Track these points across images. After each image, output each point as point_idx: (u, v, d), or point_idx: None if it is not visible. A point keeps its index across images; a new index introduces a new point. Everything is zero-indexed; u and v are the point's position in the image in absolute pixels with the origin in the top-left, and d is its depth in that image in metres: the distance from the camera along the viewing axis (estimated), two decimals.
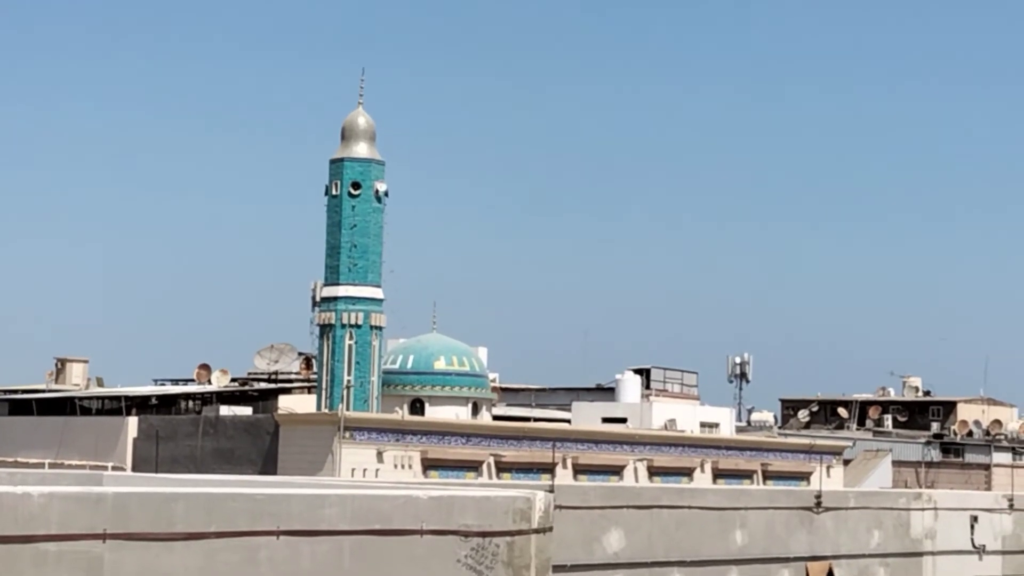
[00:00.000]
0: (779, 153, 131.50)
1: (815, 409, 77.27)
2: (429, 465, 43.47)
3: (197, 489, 12.42)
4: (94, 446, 47.71)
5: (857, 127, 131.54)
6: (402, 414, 45.55)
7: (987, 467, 65.56)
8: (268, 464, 42.89)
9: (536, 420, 54.54)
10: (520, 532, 13.39)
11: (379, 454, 42.57)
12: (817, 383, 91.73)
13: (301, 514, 12.20)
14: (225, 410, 48.46)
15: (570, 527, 22.42)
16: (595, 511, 23.88)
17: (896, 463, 62.97)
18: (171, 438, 46.12)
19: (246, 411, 49.19)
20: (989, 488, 58.77)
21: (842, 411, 75.20)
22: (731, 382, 73.44)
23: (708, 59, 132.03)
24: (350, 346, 46.18)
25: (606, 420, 55.14)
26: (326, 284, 47.22)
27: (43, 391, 56.76)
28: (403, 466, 42.94)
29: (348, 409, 44.24)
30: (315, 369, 50.30)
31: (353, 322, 46.22)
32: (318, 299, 48.62)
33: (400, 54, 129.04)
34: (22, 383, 61.48)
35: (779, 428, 70.96)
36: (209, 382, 54.75)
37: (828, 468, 53.40)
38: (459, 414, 49.28)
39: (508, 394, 62.82)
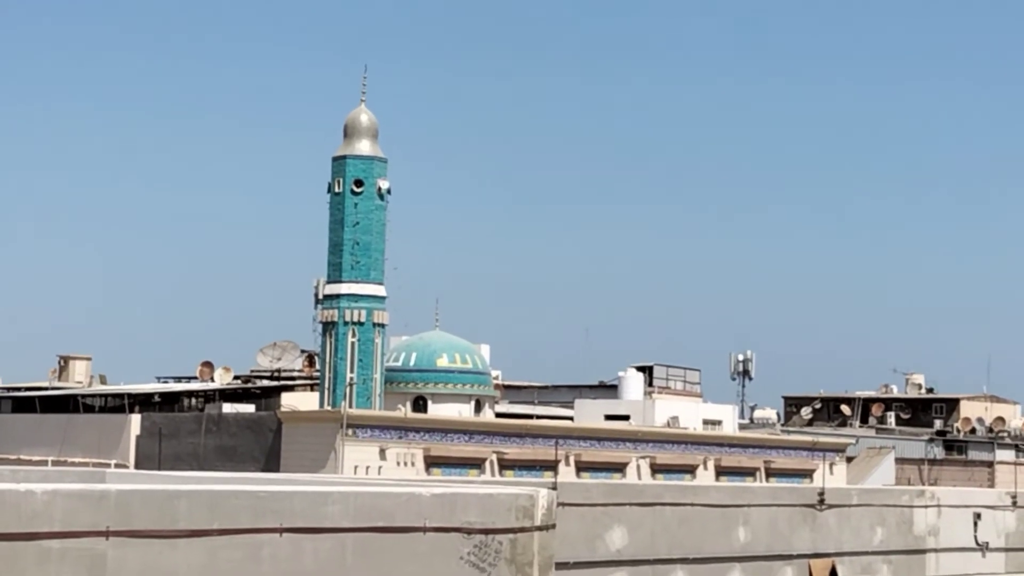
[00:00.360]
0: (782, 151, 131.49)
1: (818, 406, 77.27)
2: (432, 462, 43.48)
3: (200, 486, 12.41)
4: (97, 443, 47.76)
5: (861, 125, 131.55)
6: (405, 411, 45.56)
7: (990, 464, 65.54)
8: (271, 461, 42.91)
9: (539, 417, 54.54)
10: (523, 529, 13.38)
11: (382, 451, 42.58)
12: (820, 380, 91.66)
13: (304, 511, 12.20)
14: (228, 407, 48.49)
15: (573, 524, 22.43)
16: (598, 508, 23.88)
17: (899, 460, 62.96)
18: (174, 435, 46.14)
19: (249, 409, 49.22)
20: (992, 485, 58.75)
21: (845, 408, 75.19)
22: (734, 379, 73.49)
23: (710, 57, 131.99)
24: (353, 343, 46.20)
25: (609, 417, 55.14)
26: (329, 281, 47.23)
27: (46, 388, 56.81)
28: (406, 463, 42.96)
29: (351, 406, 44.25)
30: (318, 366, 50.32)
31: (356, 319, 46.22)
32: (321, 296, 48.64)
33: (402, 51, 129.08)
34: (25, 380, 61.56)
35: (782, 425, 70.95)
36: (212, 379, 54.78)
37: (831, 465, 53.39)
38: (462, 411, 49.30)
39: (511, 391, 62.84)
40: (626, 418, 54.88)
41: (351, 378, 45.92)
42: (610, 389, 62.07)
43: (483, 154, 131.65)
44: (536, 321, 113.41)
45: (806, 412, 76.43)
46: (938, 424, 72.74)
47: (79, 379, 59.49)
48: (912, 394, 77.25)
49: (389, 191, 47.24)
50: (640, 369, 62.86)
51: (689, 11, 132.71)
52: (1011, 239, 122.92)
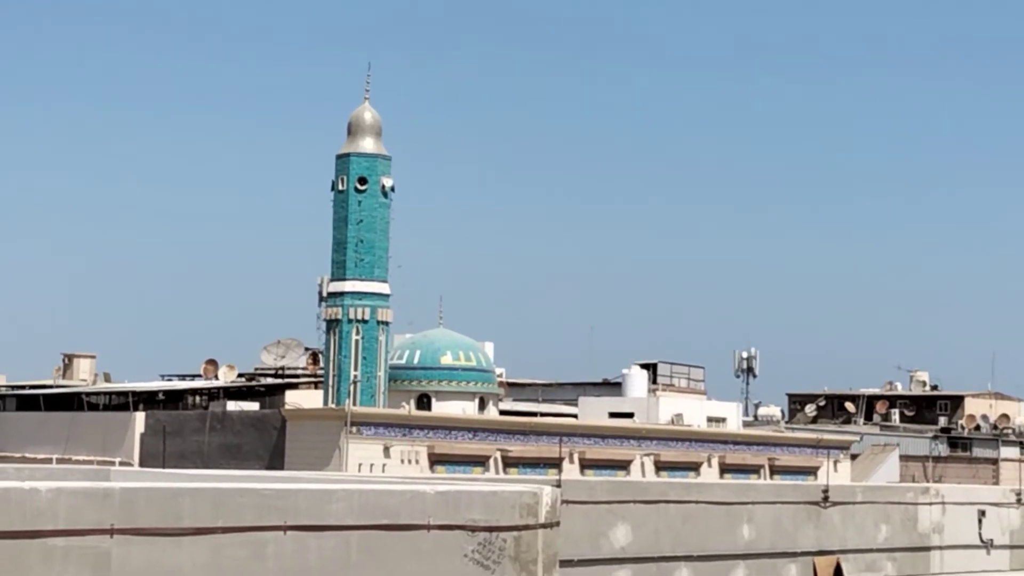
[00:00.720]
0: (786, 149, 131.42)
1: (822, 404, 77.24)
2: (436, 460, 43.50)
3: (204, 484, 12.41)
4: (101, 441, 47.79)
5: (864, 123, 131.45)
6: (409, 409, 45.58)
7: (995, 461, 65.51)
8: (275, 459, 42.95)
9: (543, 415, 54.54)
10: (527, 527, 13.37)
11: (386, 449, 42.60)
12: (824, 377, 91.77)
13: (308, 509, 12.19)
14: (232, 405, 48.52)
15: (577, 522, 22.42)
16: (602, 506, 23.86)
17: (903, 458, 62.95)
18: (178, 433, 46.18)
19: (253, 406, 49.25)
20: (997, 482, 58.73)
21: (849, 406, 75.16)
22: (738, 377, 73.49)
23: (715, 55, 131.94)
24: (357, 341, 46.21)
25: (613, 415, 55.13)
26: (333, 279, 47.26)
27: (50, 387, 56.85)
28: (410, 461, 42.98)
29: (355, 404, 44.28)
30: (322, 364, 50.34)
31: (360, 317, 46.23)
32: (325, 294, 48.69)
33: (406, 49, 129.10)
34: (29, 379, 61.61)
35: (786, 423, 70.94)
36: (216, 377, 54.80)
37: (835, 463, 53.38)
38: (466, 409, 49.31)
39: (515, 389, 62.84)
40: (630, 415, 54.87)
41: (355, 376, 45.94)
42: (614, 387, 62.06)
43: (487, 152, 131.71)
44: (540, 319, 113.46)
45: (810, 409, 76.40)
46: (942, 421, 72.71)
47: (83, 377, 59.52)
48: (916, 391, 77.22)
49: (393, 189, 47.25)
50: (644, 367, 62.85)
51: (690, 10, 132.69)
52: (1015, 236, 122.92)
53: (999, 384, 76.95)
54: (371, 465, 41.61)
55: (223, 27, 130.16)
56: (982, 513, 30.69)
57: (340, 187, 46.90)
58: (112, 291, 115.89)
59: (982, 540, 30.65)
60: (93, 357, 61.17)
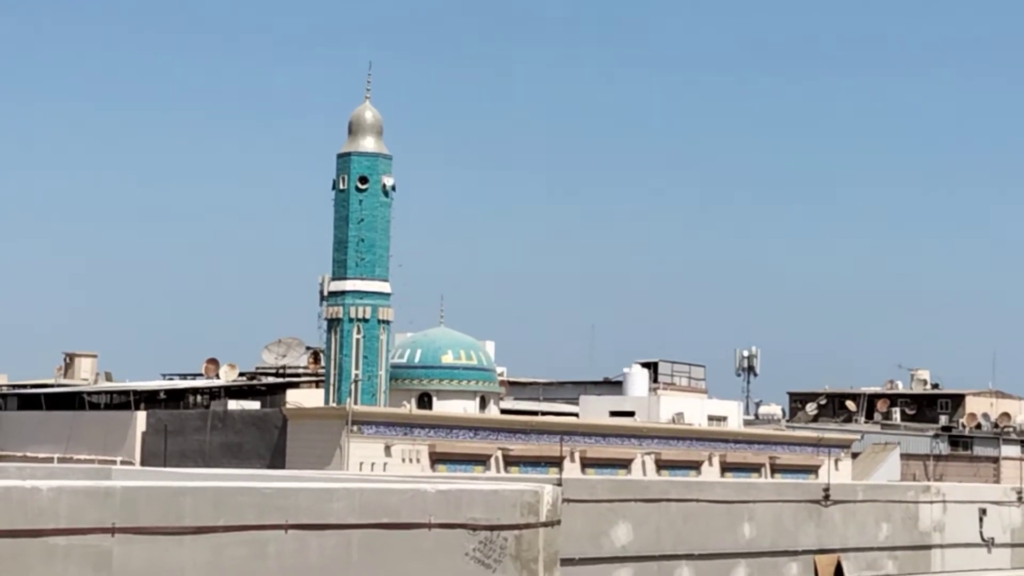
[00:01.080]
0: (786, 147, 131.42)
1: (823, 402, 77.23)
2: (437, 459, 43.52)
3: (205, 483, 12.43)
4: (103, 440, 47.80)
5: (864, 121, 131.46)
6: (410, 408, 45.61)
7: (996, 460, 65.51)
8: (276, 458, 42.97)
9: (544, 414, 54.55)
10: (528, 525, 13.38)
11: (387, 448, 42.62)
12: (825, 376, 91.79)
13: (309, 508, 12.20)
14: (233, 404, 48.54)
15: (578, 520, 22.42)
16: (603, 504, 23.86)
17: (904, 456, 62.94)
18: (179, 432, 46.21)
19: (254, 405, 49.27)
20: (998, 481, 58.71)
21: (850, 404, 75.16)
22: (739, 375, 73.45)
23: (715, 54, 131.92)
24: (358, 340, 46.23)
25: (614, 414, 55.13)
26: (334, 278, 47.27)
27: (52, 386, 56.87)
28: (411, 460, 43.00)
29: (356, 403, 44.30)
30: (323, 363, 50.36)
31: (361, 316, 46.25)
32: (326, 293, 48.70)
33: (407, 48, 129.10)
34: (31, 378, 61.62)
35: (787, 421, 70.95)
36: (217, 376, 54.82)
37: (836, 461, 53.38)
38: (467, 408, 49.32)
39: (515, 388, 62.85)
40: (631, 414, 54.88)
41: (356, 375, 45.95)
42: (615, 385, 62.06)
43: (488, 151, 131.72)
44: (541, 317, 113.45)
45: (811, 408, 76.40)
46: (943, 420, 72.70)
47: (85, 376, 59.53)
48: (917, 390, 77.22)
49: (394, 188, 47.26)
50: (645, 365, 62.85)
51: (689, 10, 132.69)
52: (1016, 234, 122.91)
53: (1000, 382, 77.02)
54: (372, 464, 41.63)
55: (224, 26, 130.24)
56: (983, 512, 30.69)
57: (341, 186, 46.91)
58: (113, 290, 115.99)
59: (983, 539, 30.65)
60: (94, 356, 61.19)
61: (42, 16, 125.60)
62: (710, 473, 49.57)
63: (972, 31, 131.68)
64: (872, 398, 75.48)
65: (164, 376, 59.10)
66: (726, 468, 50.66)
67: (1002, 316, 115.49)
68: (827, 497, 27.56)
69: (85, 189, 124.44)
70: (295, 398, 50.58)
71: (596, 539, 23.65)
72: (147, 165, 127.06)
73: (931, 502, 29.79)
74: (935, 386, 77.63)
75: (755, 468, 51.69)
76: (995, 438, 67.65)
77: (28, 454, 47.15)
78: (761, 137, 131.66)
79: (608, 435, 48.49)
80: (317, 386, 51.54)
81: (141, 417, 47.94)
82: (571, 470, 44.81)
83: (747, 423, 63.41)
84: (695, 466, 49.81)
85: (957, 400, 74.95)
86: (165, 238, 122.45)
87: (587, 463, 46.87)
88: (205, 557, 11.49)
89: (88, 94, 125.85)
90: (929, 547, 29.61)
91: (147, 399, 52.08)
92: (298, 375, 55.92)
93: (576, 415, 55.70)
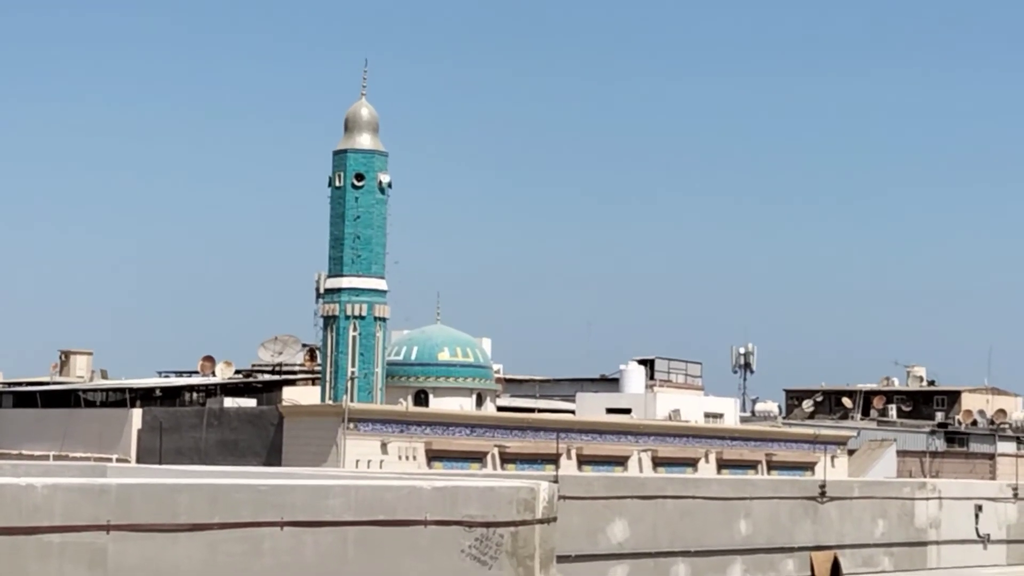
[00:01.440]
0: (782, 144, 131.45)
1: (819, 399, 77.27)
2: (433, 456, 43.51)
3: (200, 480, 12.41)
4: (98, 438, 47.76)
5: (859, 118, 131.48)
6: (406, 405, 45.57)
7: (991, 456, 65.52)
8: (272, 456, 42.94)
9: (540, 411, 54.54)
10: (524, 522, 13.37)
11: (383, 445, 42.61)
12: (821, 373, 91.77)
13: (305, 505, 12.19)
14: (229, 402, 48.51)
15: (574, 517, 22.42)
16: (599, 501, 23.87)
17: (900, 453, 62.95)
18: (175, 430, 46.17)
19: (250, 403, 49.24)
20: (994, 477, 58.74)
21: (846, 401, 75.19)
22: (735, 372, 73.49)
23: (711, 51, 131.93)
24: (354, 337, 46.19)
25: (610, 411, 55.11)
26: (330, 275, 47.23)
27: (47, 383, 56.83)
28: (407, 457, 42.99)
29: (352, 400, 44.27)
30: (319, 361, 50.32)
31: (357, 313, 46.22)
32: (322, 290, 48.65)
33: (403, 45, 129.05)
34: (26, 375, 61.58)
35: (783, 418, 70.96)
36: (213, 374, 54.79)
37: (832, 458, 53.39)
38: (463, 405, 49.30)
39: (512, 385, 62.83)
40: (627, 411, 54.87)
41: (352, 372, 45.92)
42: (611, 382, 62.06)
43: (484, 148, 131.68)
44: (537, 315, 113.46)
45: (807, 405, 76.43)
46: (939, 416, 72.74)
47: (80, 374, 59.49)
48: (913, 386, 77.26)
49: (390, 185, 47.23)
50: (641, 362, 62.84)
51: (688, 4, 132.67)
52: (1012, 230, 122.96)
53: (996, 379, 77.07)
54: (368, 461, 41.62)
55: (219, 23, 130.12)
56: (979, 508, 30.72)
57: (337, 183, 46.87)
58: (109, 288, 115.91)
59: (979, 535, 30.69)
60: (90, 354, 61.15)
61: (40, 15, 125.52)
62: (706, 470, 49.58)
63: (961, 25, 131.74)
64: (868, 395, 75.52)
65: (160, 373, 59.08)
66: (722, 465, 50.67)
67: (998, 313, 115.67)
68: (823, 494, 27.58)
69: (80, 186, 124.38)
70: (291, 395, 50.56)
71: (592, 536, 23.65)
72: (142, 162, 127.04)
73: (927, 499, 29.81)
74: (931, 383, 77.68)
75: (751, 465, 51.71)
76: (991, 434, 67.68)
77: (24, 452, 47.11)
78: (757, 134, 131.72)
79: (604, 432, 48.49)
80: (313, 383, 51.51)
81: (137, 415, 47.91)
82: (567, 467, 44.81)
83: (743, 420, 63.41)
84: (691, 463, 49.82)
85: (953, 397, 75.00)
86: (160, 235, 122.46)
87: (583, 460, 46.87)
88: (200, 554, 11.48)
89: (83, 92, 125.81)
90: (925, 543, 29.64)
91: (143, 397, 52.04)
92: (294, 372, 55.90)
93: (572, 412, 55.69)
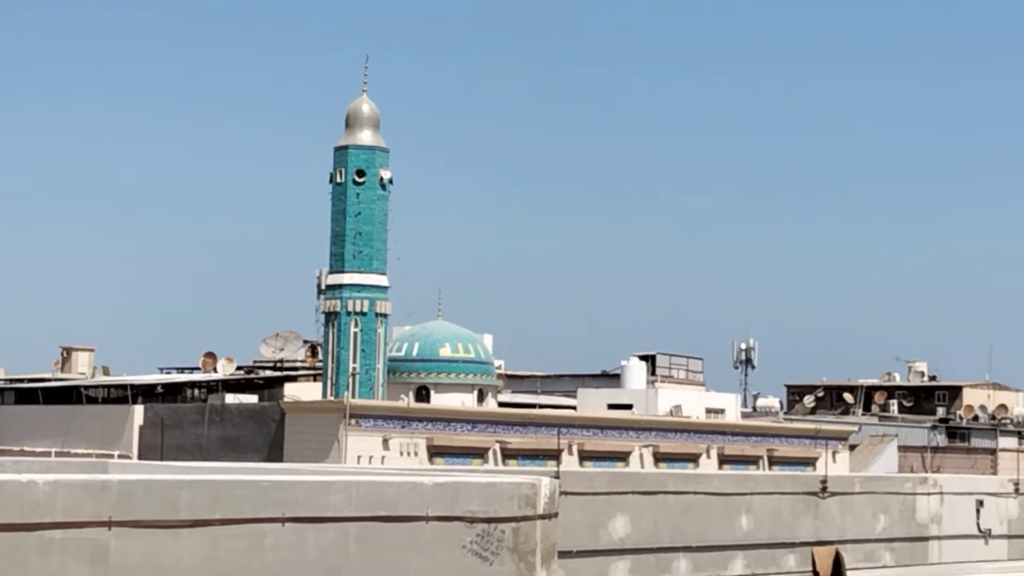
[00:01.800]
0: (784, 141, 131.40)
1: (821, 395, 77.25)
2: (435, 452, 43.52)
3: (202, 476, 12.43)
4: (100, 434, 47.80)
5: (862, 115, 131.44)
6: (408, 401, 45.58)
7: (993, 451, 65.52)
8: (274, 452, 42.95)
9: (541, 407, 54.57)
10: (525, 518, 13.38)
11: (385, 441, 42.62)
12: (823, 369, 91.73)
13: (306, 501, 12.20)
14: (231, 398, 48.54)
15: (575, 513, 22.42)
16: (600, 497, 23.87)
17: (902, 448, 62.97)
18: (177, 426, 46.19)
19: (252, 399, 49.27)
20: (995, 472, 58.73)
21: (848, 396, 75.17)
22: (736, 368, 73.51)
23: (711, 50, 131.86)
24: (355, 334, 46.21)
25: (611, 406, 55.14)
26: (331, 272, 47.24)
27: (49, 380, 56.87)
28: (409, 453, 43.00)
29: (354, 397, 44.28)
30: (320, 357, 50.34)
31: (358, 310, 46.24)
32: (323, 287, 48.66)
33: (404, 41, 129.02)
34: (28, 372, 61.64)
35: (785, 414, 70.94)
36: (215, 370, 54.81)
37: (834, 453, 53.40)
38: (465, 401, 49.31)
39: (513, 381, 62.86)
40: (629, 407, 54.90)
41: (354, 368, 45.94)
42: (613, 378, 62.09)
43: (485, 144, 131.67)
44: (539, 310, 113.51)
45: (809, 400, 76.42)
46: (941, 412, 72.74)
47: (82, 370, 59.54)
48: (915, 382, 77.24)
49: (391, 181, 47.23)
50: (643, 358, 62.87)
51: (688, 4, 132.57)
52: (1013, 226, 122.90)
53: (997, 374, 77.09)
54: (370, 457, 41.63)
55: (220, 20, 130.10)
56: (980, 503, 30.71)
57: (338, 179, 46.88)
58: (110, 284, 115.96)
59: (980, 530, 30.68)
60: (91, 350, 61.20)
61: (40, 15, 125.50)
62: (708, 465, 49.60)
63: (962, 29, 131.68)
64: (869, 390, 75.51)
65: (161, 370, 59.11)
66: (724, 460, 50.68)
67: (999, 308, 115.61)
68: (825, 489, 27.57)
69: (81, 183, 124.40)
70: (293, 392, 50.57)
71: (594, 531, 23.65)
72: (144, 159, 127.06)
73: (928, 494, 29.80)
74: (932, 378, 77.66)
75: (753, 460, 51.72)
76: (992, 430, 67.68)
77: (25, 448, 47.15)
78: (757, 133, 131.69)
79: (606, 428, 48.50)
80: (315, 379, 51.53)
81: (138, 411, 47.94)
82: (569, 463, 44.82)
83: (745, 415, 63.43)
84: (693, 458, 49.83)
85: (954, 392, 74.99)
86: (162, 232, 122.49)
87: (585, 456, 46.88)
88: (202, 550, 11.49)
89: (84, 89, 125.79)
90: (926, 539, 29.63)
91: (144, 393, 52.07)
92: (296, 369, 55.92)
93: (574, 408, 55.71)
